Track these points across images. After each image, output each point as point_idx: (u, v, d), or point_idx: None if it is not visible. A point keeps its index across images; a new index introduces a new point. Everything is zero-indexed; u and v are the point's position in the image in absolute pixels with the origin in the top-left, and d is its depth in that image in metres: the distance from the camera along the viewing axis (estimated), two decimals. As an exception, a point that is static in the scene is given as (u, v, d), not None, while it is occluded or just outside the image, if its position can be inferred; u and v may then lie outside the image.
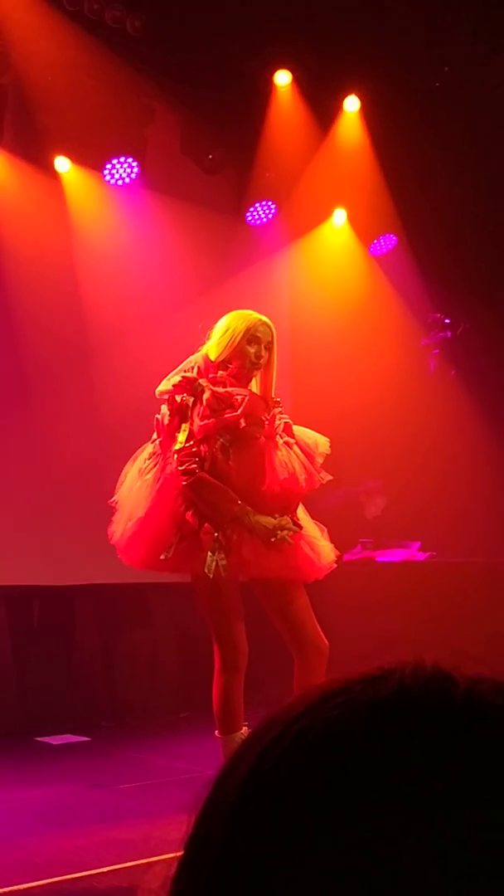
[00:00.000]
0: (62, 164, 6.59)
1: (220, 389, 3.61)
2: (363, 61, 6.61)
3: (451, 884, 0.44)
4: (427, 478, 7.09)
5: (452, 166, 6.85)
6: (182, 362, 3.81)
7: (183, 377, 3.65)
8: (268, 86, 6.77)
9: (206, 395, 3.57)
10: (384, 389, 7.40)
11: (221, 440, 3.57)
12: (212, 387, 3.60)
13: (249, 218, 7.32)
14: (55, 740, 5.57)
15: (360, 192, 7.25)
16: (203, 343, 3.83)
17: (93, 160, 6.58)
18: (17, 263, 6.34)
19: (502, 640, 5.31)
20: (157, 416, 3.73)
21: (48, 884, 3.26)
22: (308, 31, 6.34)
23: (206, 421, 3.54)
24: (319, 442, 3.82)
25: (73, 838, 3.75)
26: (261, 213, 7.33)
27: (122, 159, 6.58)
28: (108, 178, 6.63)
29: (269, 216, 7.36)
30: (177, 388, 3.63)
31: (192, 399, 3.59)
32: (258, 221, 7.36)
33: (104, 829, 3.86)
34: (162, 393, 3.70)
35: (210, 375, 3.66)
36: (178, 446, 3.56)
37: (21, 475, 6.21)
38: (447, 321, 7.63)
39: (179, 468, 3.51)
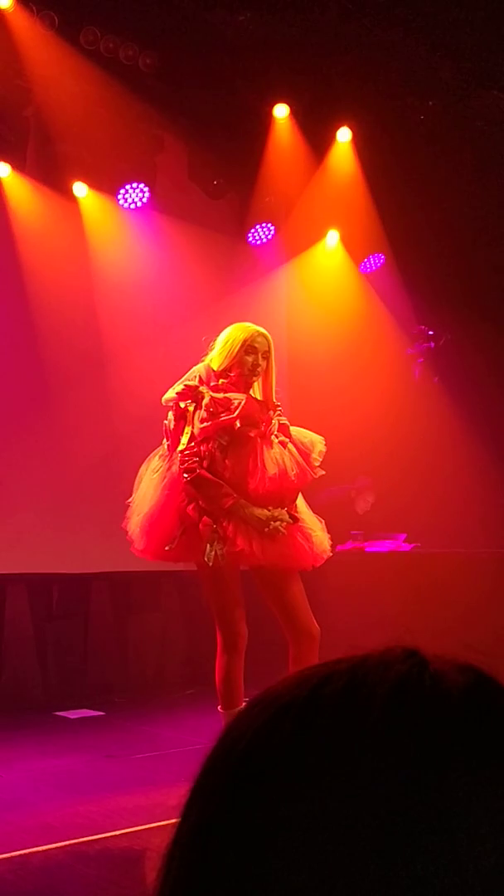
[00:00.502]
0: (80, 189, 6.59)
1: (219, 395, 3.62)
2: (354, 96, 6.61)
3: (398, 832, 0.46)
4: (412, 476, 7.09)
5: (436, 192, 6.85)
6: (187, 372, 3.82)
7: (186, 386, 3.66)
8: (267, 118, 6.77)
9: (205, 401, 3.61)
10: (373, 395, 7.40)
11: (220, 440, 3.58)
12: (211, 393, 3.62)
13: (250, 238, 7.32)
14: (72, 714, 5.57)
15: (352, 214, 7.25)
16: (206, 354, 3.84)
17: (108, 185, 6.58)
18: (38, 280, 6.34)
19: (479, 622, 5.30)
20: (165, 421, 3.75)
21: (65, 846, 3.26)
22: (304, 68, 6.35)
23: (205, 424, 3.57)
24: (315, 441, 3.81)
25: (88, 804, 3.76)
26: (261, 233, 7.33)
27: (134, 185, 6.58)
28: (121, 202, 6.63)
29: (269, 237, 7.36)
30: (180, 395, 3.65)
31: (193, 405, 3.62)
32: (258, 242, 7.36)
33: (117, 796, 3.86)
34: (168, 400, 3.71)
35: (211, 384, 3.67)
36: (181, 447, 3.59)
37: (43, 474, 6.21)
38: (430, 333, 7.63)
39: (182, 467, 3.54)
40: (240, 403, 3.59)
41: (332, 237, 7.59)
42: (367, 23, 5.98)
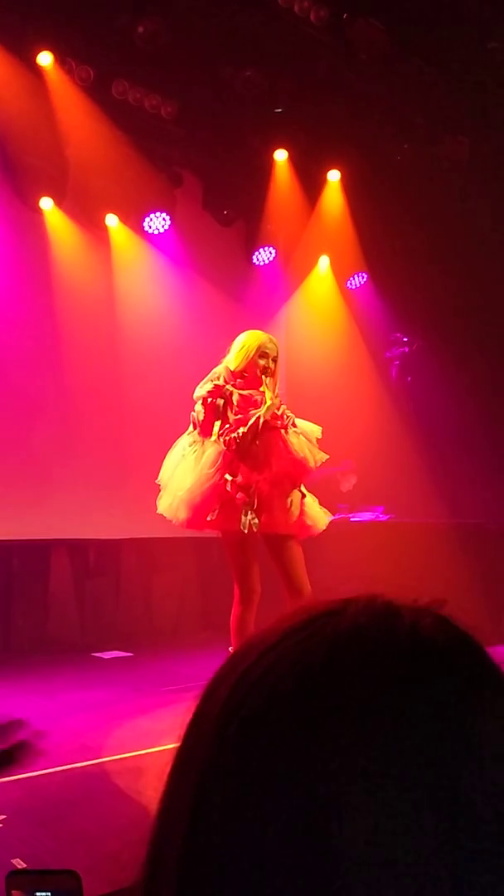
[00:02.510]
0: (111, 219, 6.56)
1: (245, 392, 3.64)
2: (342, 142, 6.60)
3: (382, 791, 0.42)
4: (389, 458, 7.08)
5: (410, 220, 6.82)
6: (207, 372, 3.82)
7: (214, 385, 3.66)
8: (269, 160, 6.73)
9: (235, 397, 3.62)
10: (357, 392, 7.39)
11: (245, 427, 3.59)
12: (239, 391, 3.64)
13: (255, 259, 7.30)
14: (106, 655, 5.58)
15: (340, 240, 7.24)
16: (223, 355, 3.83)
17: (134, 215, 6.55)
18: (70, 298, 6.32)
19: (444, 581, 5.30)
20: (192, 413, 3.72)
21: (99, 763, 3.28)
22: (299, 119, 6.32)
23: (238, 416, 3.59)
24: (315, 430, 3.83)
25: (119, 728, 3.77)
26: (263, 256, 7.31)
27: (157, 213, 6.55)
28: (147, 228, 6.61)
29: (270, 258, 7.33)
30: (210, 393, 3.64)
31: (222, 401, 3.62)
32: (261, 262, 7.34)
33: (143, 722, 3.87)
34: (199, 396, 3.69)
35: (231, 382, 3.67)
36: (214, 437, 3.59)
37: (83, 458, 6.20)
38: (405, 339, 7.60)
39: (224, 443, 3.55)
40: (264, 401, 3.60)
41: (324, 261, 7.57)
42: (352, 78, 5.94)
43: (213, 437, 3.59)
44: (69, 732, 3.69)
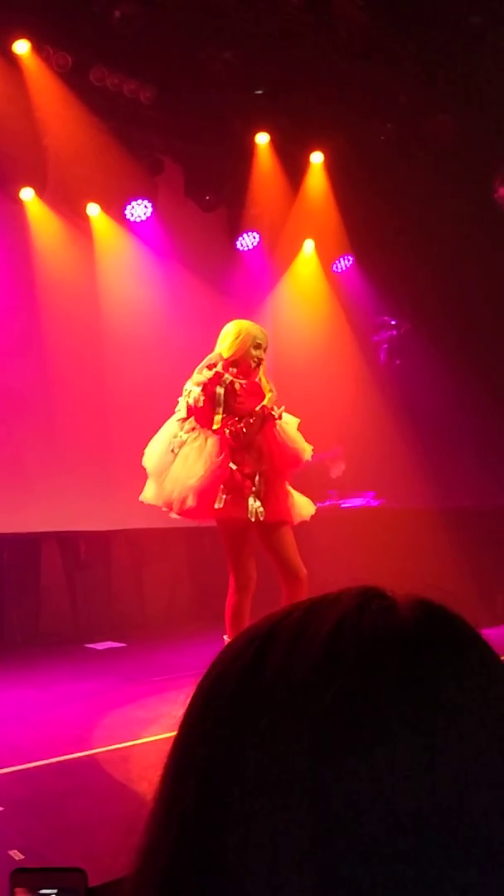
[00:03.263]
0: (92, 209, 6.52)
1: (244, 381, 3.65)
2: (324, 124, 6.56)
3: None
4: (378, 443, 7.09)
5: (395, 201, 6.80)
6: (192, 361, 3.81)
7: (215, 372, 3.64)
8: (251, 144, 6.70)
9: (236, 386, 3.63)
10: (345, 376, 7.39)
11: (248, 419, 3.62)
12: (238, 380, 3.64)
13: (238, 245, 7.27)
14: (99, 646, 5.58)
15: (324, 224, 7.21)
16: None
17: (116, 203, 6.51)
18: (52, 286, 6.29)
19: (435, 565, 5.34)
20: (187, 399, 3.67)
21: (94, 753, 3.29)
22: (280, 100, 6.27)
23: (241, 405, 3.62)
24: (294, 421, 3.85)
25: (113, 718, 3.78)
26: (247, 241, 7.28)
27: (139, 201, 6.51)
28: (128, 215, 6.57)
29: (254, 244, 7.31)
30: (211, 381, 3.63)
31: (222, 390, 3.61)
32: (245, 248, 7.31)
33: (137, 712, 3.88)
34: (198, 383, 3.66)
35: (228, 371, 3.66)
36: (216, 426, 3.60)
37: (70, 450, 6.19)
38: (393, 323, 7.60)
39: (230, 434, 3.57)
40: (267, 391, 3.67)
41: (309, 245, 7.54)
42: (333, 57, 5.90)
43: (216, 426, 3.58)
44: (63, 723, 3.70)
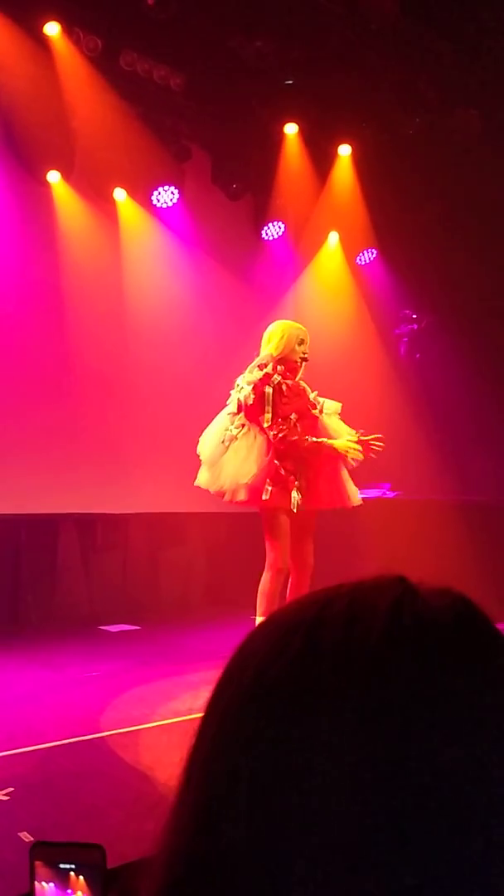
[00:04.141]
0: (119, 193, 6.48)
1: (290, 382, 3.87)
2: (353, 116, 6.49)
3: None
4: (397, 435, 7.03)
5: (421, 195, 6.73)
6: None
7: (265, 373, 3.84)
8: (279, 133, 6.63)
9: (284, 388, 3.83)
10: (365, 368, 7.35)
11: (293, 417, 3.84)
12: (286, 381, 3.86)
13: (264, 234, 7.22)
14: (113, 629, 5.60)
15: (350, 216, 7.15)
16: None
17: (143, 189, 6.47)
18: (80, 275, 6.27)
19: (451, 558, 5.30)
20: (239, 396, 3.90)
21: (107, 735, 3.29)
22: (310, 92, 6.21)
23: (287, 405, 3.83)
24: (336, 406, 4.08)
25: (126, 701, 3.79)
26: (273, 231, 7.23)
27: (166, 187, 6.47)
28: (155, 202, 6.53)
29: (279, 234, 7.26)
30: (261, 381, 3.83)
31: (270, 389, 3.80)
32: (270, 237, 7.26)
33: (150, 695, 3.89)
34: (250, 382, 3.86)
35: (275, 369, 3.88)
36: (266, 424, 3.81)
37: (91, 433, 6.19)
38: (414, 316, 7.54)
39: (278, 438, 3.80)
40: (306, 390, 3.92)
41: (333, 237, 7.48)
42: (363, 49, 5.81)
43: (266, 424, 3.82)
44: (76, 705, 3.72)
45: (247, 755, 0.46)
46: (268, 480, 3.81)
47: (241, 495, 3.86)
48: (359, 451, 3.91)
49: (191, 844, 0.46)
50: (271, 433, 3.83)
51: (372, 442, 3.99)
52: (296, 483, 3.84)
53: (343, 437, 3.95)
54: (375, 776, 0.43)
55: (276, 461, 3.84)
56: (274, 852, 0.43)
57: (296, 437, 3.79)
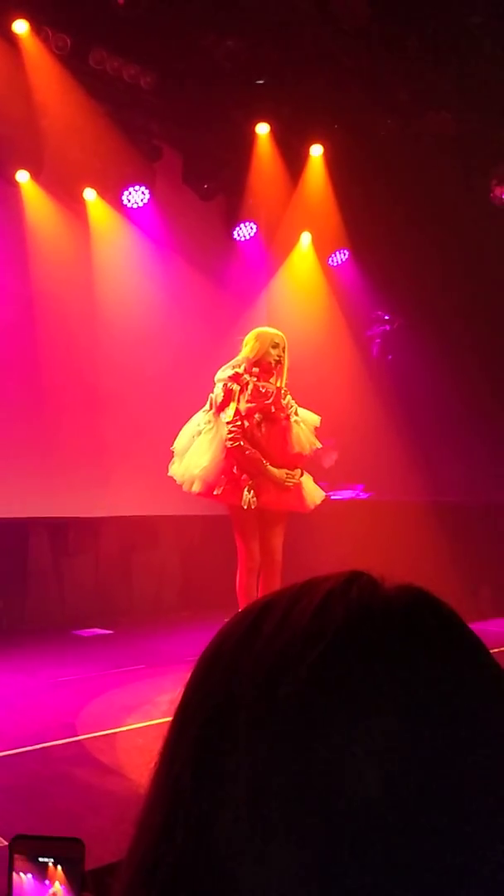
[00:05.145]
0: (89, 193, 6.46)
1: (260, 383, 4.00)
2: (325, 117, 6.53)
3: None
4: (369, 437, 7.11)
5: (393, 196, 6.78)
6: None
7: (234, 371, 4.01)
8: (251, 133, 6.65)
9: (250, 387, 3.97)
10: (337, 369, 7.39)
11: (257, 417, 3.99)
12: (255, 381, 4.00)
13: (235, 235, 7.24)
14: (86, 633, 5.59)
15: (322, 217, 7.19)
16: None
17: (113, 189, 6.45)
18: (46, 271, 6.23)
19: (422, 558, 5.36)
20: (212, 395, 4.07)
21: (80, 739, 3.29)
22: (282, 92, 6.24)
23: (250, 405, 3.95)
24: (314, 419, 4.21)
25: (99, 706, 3.78)
26: (245, 231, 7.25)
27: (136, 187, 6.46)
28: (125, 202, 6.51)
29: (251, 234, 7.28)
30: (231, 379, 3.99)
31: (238, 388, 3.95)
32: (242, 238, 7.28)
33: (123, 699, 3.89)
34: (219, 380, 4.03)
35: (249, 372, 4.03)
36: (227, 420, 3.93)
37: (61, 436, 6.16)
38: (386, 318, 7.60)
39: (227, 437, 3.94)
40: (274, 392, 4.02)
41: (306, 238, 7.51)
42: (335, 50, 5.86)
43: (226, 419, 3.96)
44: (49, 710, 3.70)
45: (192, 727, 0.47)
46: (223, 476, 3.95)
47: (196, 487, 4.02)
48: (291, 484, 4.01)
49: (154, 833, 0.47)
50: (228, 429, 3.95)
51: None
52: (249, 481, 3.94)
53: (305, 447, 4.08)
54: (284, 756, 0.44)
55: (229, 458, 3.97)
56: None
57: (241, 443, 3.91)
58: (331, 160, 6.88)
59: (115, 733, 3.36)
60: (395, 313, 7.51)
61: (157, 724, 3.40)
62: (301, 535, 4.64)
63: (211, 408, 4.10)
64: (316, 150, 6.89)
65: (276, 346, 4.05)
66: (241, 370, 4.03)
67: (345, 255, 7.55)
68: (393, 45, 5.86)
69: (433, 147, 6.49)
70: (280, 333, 4.16)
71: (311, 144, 6.84)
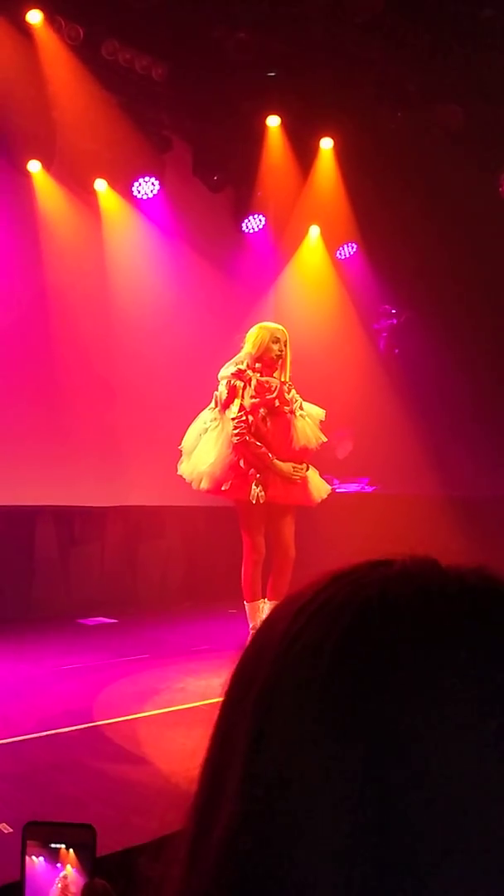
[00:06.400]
0: (100, 184, 6.46)
1: (263, 378, 4.05)
2: (336, 110, 6.50)
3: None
4: (376, 430, 7.10)
5: (402, 189, 6.76)
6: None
7: (238, 368, 4.06)
8: (261, 126, 6.63)
9: (253, 382, 4.02)
10: (345, 362, 7.39)
11: (262, 412, 4.04)
12: (258, 377, 4.04)
13: (244, 227, 7.23)
14: (91, 622, 5.60)
15: (331, 210, 7.17)
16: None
17: (123, 180, 6.45)
18: (61, 266, 6.24)
19: (428, 551, 5.35)
20: (216, 393, 4.14)
21: (85, 727, 3.32)
22: (293, 85, 6.21)
23: (254, 400, 4.00)
24: (319, 413, 4.29)
25: (104, 694, 3.81)
26: (253, 223, 7.24)
27: (146, 178, 6.46)
28: (135, 192, 6.51)
29: (260, 227, 7.27)
30: (234, 375, 4.05)
31: (241, 384, 4.01)
32: (251, 230, 7.27)
33: (127, 688, 3.91)
34: (223, 377, 4.09)
35: (252, 368, 4.08)
36: (232, 416, 4.01)
37: (70, 426, 6.18)
38: (393, 311, 7.59)
39: (234, 432, 4.00)
40: (278, 386, 4.08)
41: (314, 231, 7.50)
42: (346, 43, 5.83)
43: (231, 416, 4.02)
44: (54, 698, 3.72)
45: (251, 704, 0.46)
46: (229, 472, 4.01)
47: (204, 483, 4.09)
48: (298, 477, 4.09)
49: (218, 796, 0.47)
50: (233, 424, 4.01)
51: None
52: (257, 476, 4.00)
53: (311, 441, 4.12)
54: (337, 742, 0.43)
55: (236, 454, 4.03)
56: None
57: (247, 438, 3.96)
58: (341, 153, 6.86)
59: (119, 722, 3.38)
60: (402, 306, 7.49)
61: (161, 713, 3.43)
62: (308, 529, 4.66)
63: (216, 405, 4.14)
64: (326, 143, 6.87)
65: (277, 340, 4.08)
66: (243, 366, 4.06)
67: (353, 248, 7.53)
68: (403, 39, 5.83)
69: (443, 140, 6.46)
70: (281, 328, 4.17)
71: (322, 137, 6.83)
